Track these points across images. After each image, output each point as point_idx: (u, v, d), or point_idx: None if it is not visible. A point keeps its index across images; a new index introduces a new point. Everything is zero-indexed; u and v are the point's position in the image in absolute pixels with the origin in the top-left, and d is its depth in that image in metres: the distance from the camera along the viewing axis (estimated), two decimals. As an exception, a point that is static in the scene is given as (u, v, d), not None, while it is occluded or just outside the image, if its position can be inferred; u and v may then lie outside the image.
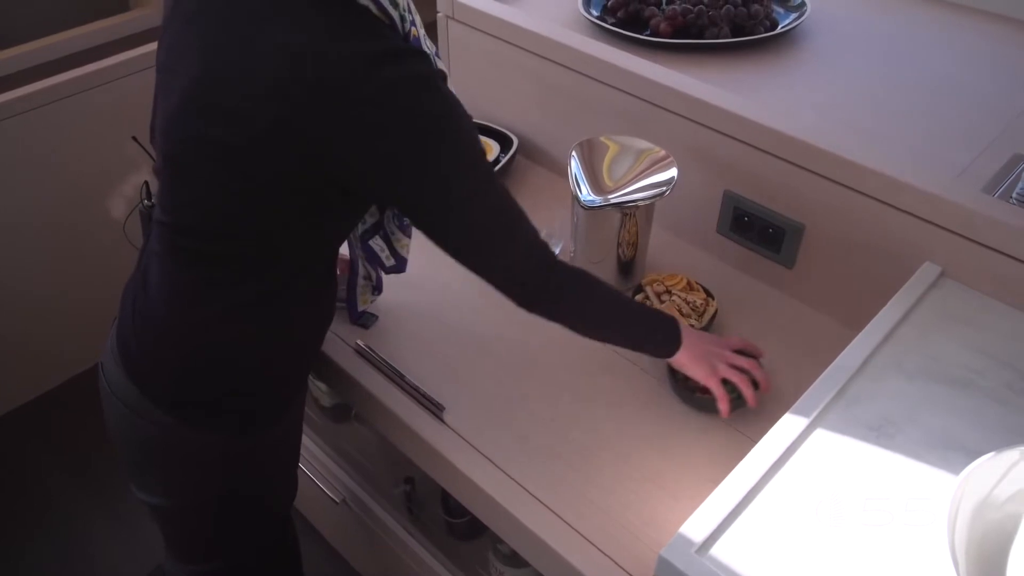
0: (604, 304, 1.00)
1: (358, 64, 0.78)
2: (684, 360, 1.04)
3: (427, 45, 0.94)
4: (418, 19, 0.93)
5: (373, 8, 0.83)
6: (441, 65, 0.94)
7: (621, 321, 1.02)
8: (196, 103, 0.85)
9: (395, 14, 0.86)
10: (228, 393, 1.02)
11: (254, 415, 1.05)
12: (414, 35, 0.91)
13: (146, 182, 1.18)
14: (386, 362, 1.17)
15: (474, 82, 1.58)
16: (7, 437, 2.11)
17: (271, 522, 1.25)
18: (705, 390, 1.05)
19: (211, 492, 1.09)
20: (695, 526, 0.77)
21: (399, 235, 1.13)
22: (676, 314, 1.17)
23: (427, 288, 1.29)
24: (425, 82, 0.81)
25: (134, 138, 1.23)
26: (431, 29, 1.56)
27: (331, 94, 0.78)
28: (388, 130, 0.80)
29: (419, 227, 0.92)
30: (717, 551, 0.76)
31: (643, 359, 1.16)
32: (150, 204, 1.17)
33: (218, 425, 1.03)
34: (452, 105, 0.84)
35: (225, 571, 1.23)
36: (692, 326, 1.16)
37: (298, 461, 1.26)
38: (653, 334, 1.04)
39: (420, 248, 1.07)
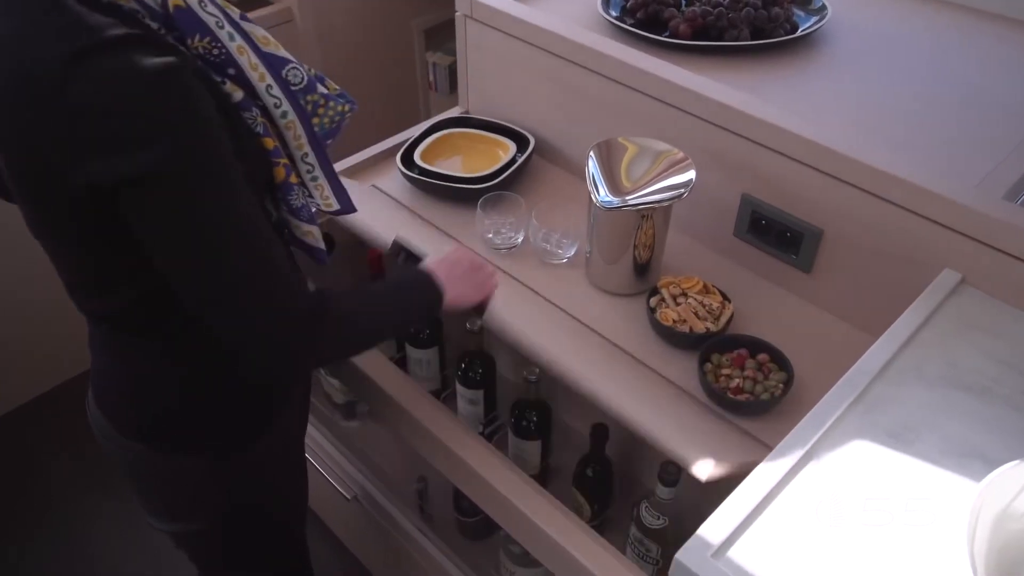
0: (367, 327, 0.95)
1: (59, 57, 0.68)
2: (452, 302, 1.03)
3: (210, 14, 0.80)
4: None
5: None
6: (239, 46, 0.81)
7: (387, 326, 1.01)
8: None
9: None
10: (185, 422, 0.99)
11: (224, 439, 1.02)
12: (176, 5, 0.77)
13: None
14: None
15: (492, 81, 1.57)
16: (10, 435, 2.12)
17: (287, 537, 1.24)
18: (737, 390, 1.05)
19: (211, 514, 1.08)
20: (711, 529, 0.77)
21: (295, 221, 0.99)
22: (692, 317, 1.17)
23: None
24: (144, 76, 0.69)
25: None
26: (448, 27, 1.55)
27: (36, 95, 0.69)
28: (96, 139, 0.70)
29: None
30: (733, 555, 0.75)
31: (669, 366, 1.15)
32: None
33: (187, 449, 1.01)
34: (182, 107, 0.72)
35: None
36: (708, 329, 1.16)
37: (303, 475, 1.24)
38: (420, 310, 1.02)
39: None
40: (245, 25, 0.84)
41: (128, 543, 1.88)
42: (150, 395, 0.97)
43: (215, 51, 0.80)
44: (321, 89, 0.91)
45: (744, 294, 1.26)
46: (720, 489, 0.89)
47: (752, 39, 1.40)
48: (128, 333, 0.93)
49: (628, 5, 1.49)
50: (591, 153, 1.23)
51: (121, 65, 0.69)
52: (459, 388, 1.45)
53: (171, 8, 0.76)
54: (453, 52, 1.85)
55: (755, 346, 1.14)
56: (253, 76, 0.83)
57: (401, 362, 1.62)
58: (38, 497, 1.99)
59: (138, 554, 1.86)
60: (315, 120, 0.92)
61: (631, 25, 1.43)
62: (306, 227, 0.98)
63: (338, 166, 1.50)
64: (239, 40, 0.81)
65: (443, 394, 1.60)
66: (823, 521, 0.78)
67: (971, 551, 0.71)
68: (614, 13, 1.48)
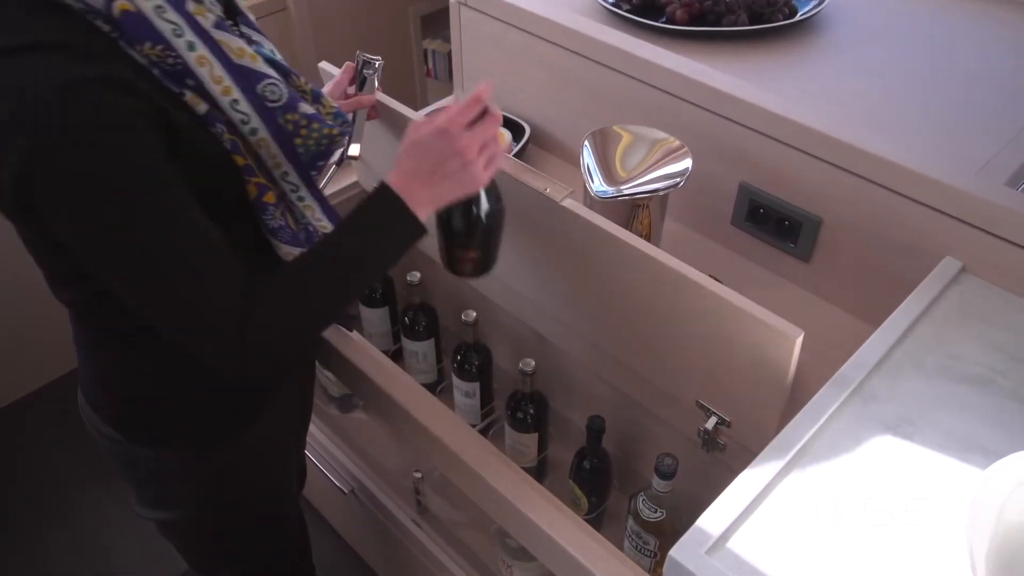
0: (325, 288, 0.83)
1: None
2: (434, 206, 0.86)
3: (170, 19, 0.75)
4: None
5: None
6: (232, 40, 0.79)
7: (348, 288, 0.86)
8: None
9: None
10: (163, 413, 0.98)
11: (205, 430, 1.01)
12: (123, 9, 0.73)
13: None
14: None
15: (486, 70, 1.55)
16: (7, 429, 2.12)
17: (277, 529, 1.23)
18: None
19: (195, 504, 1.07)
20: (706, 526, 0.75)
21: (274, 242, 0.91)
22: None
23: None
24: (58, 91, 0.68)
25: None
26: (446, 14, 1.54)
27: None
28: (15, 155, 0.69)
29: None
30: (728, 551, 0.74)
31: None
32: None
33: (167, 440, 1.00)
34: (75, 121, 0.69)
35: None
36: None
37: (293, 467, 1.23)
38: (391, 252, 0.86)
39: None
40: (218, 34, 0.79)
41: (126, 535, 1.88)
42: (126, 386, 0.97)
43: (169, 60, 0.76)
44: (305, 109, 0.85)
45: (742, 283, 1.23)
46: (717, 481, 0.88)
47: (750, 24, 1.38)
48: (99, 325, 0.92)
49: (624, -9, 1.47)
50: (586, 142, 1.21)
51: (20, 72, 0.69)
52: (455, 380, 1.44)
53: (116, 13, 0.73)
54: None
55: None
56: (215, 89, 0.78)
57: (397, 354, 1.61)
58: (35, 490, 1.99)
59: (136, 546, 1.86)
60: (298, 141, 0.86)
61: (627, 11, 1.41)
62: (286, 249, 0.91)
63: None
64: (201, 50, 0.77)
65: (439, 387, 1.59)
66: (819, 516, 0.77)
67: (971, 545, 0.70)
68: (610, -1, 1.46)
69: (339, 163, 1.10)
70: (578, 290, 1.13)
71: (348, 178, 1.52)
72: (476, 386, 1.43)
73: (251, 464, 1.08)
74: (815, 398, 0.87)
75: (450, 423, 1.08)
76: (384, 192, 0.84)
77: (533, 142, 1.53)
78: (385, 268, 0.88)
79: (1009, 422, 0.84)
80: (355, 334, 1.21)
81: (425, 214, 0.85)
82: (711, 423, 1.02)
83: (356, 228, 0.85)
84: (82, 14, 0.73)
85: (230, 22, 0.85)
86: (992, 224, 0.99)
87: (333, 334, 1.20)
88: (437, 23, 2.50)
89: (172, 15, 0.75)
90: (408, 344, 1.52)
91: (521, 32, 1.42)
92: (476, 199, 0.90)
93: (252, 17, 0.92)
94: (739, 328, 0.87)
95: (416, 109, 1.59)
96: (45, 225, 0.76)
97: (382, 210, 0.84)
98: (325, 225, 0.94)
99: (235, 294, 0.78)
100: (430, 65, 2.55)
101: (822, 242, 1.19)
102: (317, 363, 1.42)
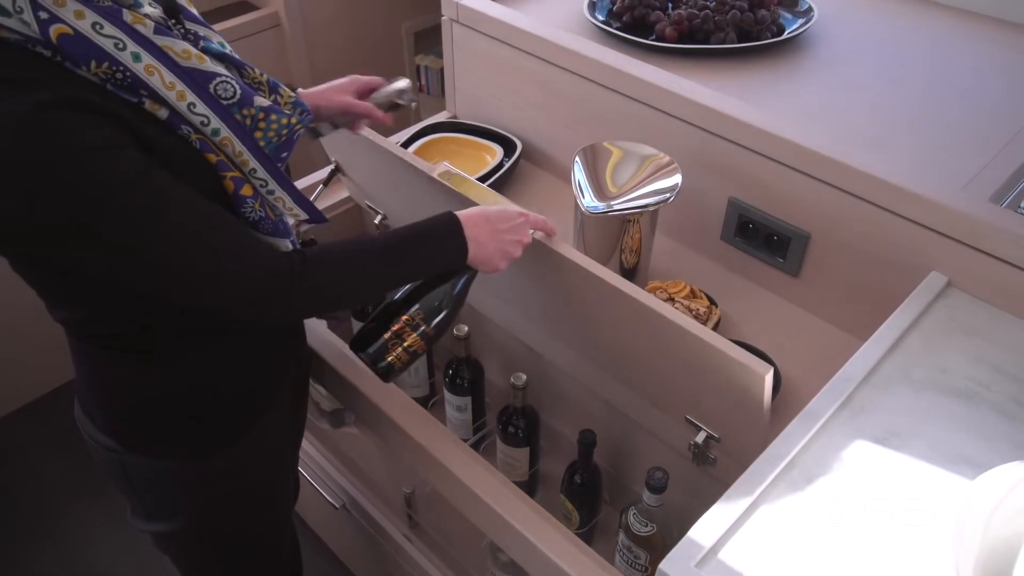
0: (367, 272, 0.90)
1: None
2: (475, 262, 0.95)
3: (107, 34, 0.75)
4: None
5: None
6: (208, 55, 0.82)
7: (397, 271, 0.93)
8: None
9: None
10: (156, 425, 0.99)
11: (198, 443, 1.01)
12: (61, 32, 0.72)
13: None
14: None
15: (478, 86, 1.57)
16: (10, 437, 2.11)
17: (270, 543, 1.22)
18: None
19: (188, 516, 1.07)
20: (695, 539, 0.76)
21: (256, 234, 0.92)
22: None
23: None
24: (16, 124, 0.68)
25: None
26: (439, 30, 1.55)
27: None
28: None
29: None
30: (718, 564, 0.74)
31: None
32: None
33: (161, 452, 1.00)
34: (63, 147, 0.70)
35: None
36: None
37: (286, 482, 1.22)
38: (437, 257, 0.94)
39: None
40: (161, 40, 0.78)
41: (117, 550, 1.87)
42: (122, 397, 0.97)
43: (119, 75, 0.75)
44: (260, 101, 0.85)
45: (731, 298, 1.25)
46: (708, 495, 0.88)
47: (739, 42, 1.40)
48: (95, 340, 0.93)
49: (614, 8, 1.49)
50: (576, 158, 1.22)
51: None
52: (447, 395, 1.44)
53: (54, 38, 0.71)
54: (441, 56, 1.84)
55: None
56: (170, 96, 0.78)
57: (389, 369, 1.61)
58: (27, 504, 1.98)
59: (128, 562, 1.84)
60: (258, 134, 0.86)
61: (617, 28, 1.43)
62: (267, 240, 0.92)
63: (323, 171, 1.49)
64: (148, 59, 0.76)
65: (431, 401, 1.59)
66: (808, 528, 0.77)
67: (956, 558, 0.70)
68: (600, 16, 1.48)
69: (314, 136, 1.15)
70: (562, 318, 1.14)
71: (340, 193, 1.53)
72: (468, 400, 1.43)
73: (246, 474, 1.08)
74: (803, 411, 0.87)
75: (441, 437, 1.08)
76: (449, 215, 0.94)
77: (524, 158, 1.54)
78: (423, 272, 0.96)
79: (995, 435, 0.85)
80: (346, 347, 1.21)
81: (471, 252, 0.94)
82: (701, 437, 1.02)
83: (414, 231, 0.93)
84: (20, 45, 0.72)
85: (172, 20, 0.85)
86: (977, 239, 1.01)
87: (324, 349, 1.20)
88: (429, 39, 2.52)
89: (111, 30, 0.75)
90: (400, 358, 1.52)
91: (512, 49, 1.43)
92: (460, 281, 0.99)
93: (194, 10, 0.91)
94: (714, 363, 0.89)
95: (409, 124, 1.61)
96: (45, 257, 0.78)
97: (442, 226, 0.93)
98: (298, 214, 0.95)
99: (278, 251, 0.86)
100: (423, 81, 2.57)
101: (811, 257, 1.20)
102: (310, 378, 1.42)
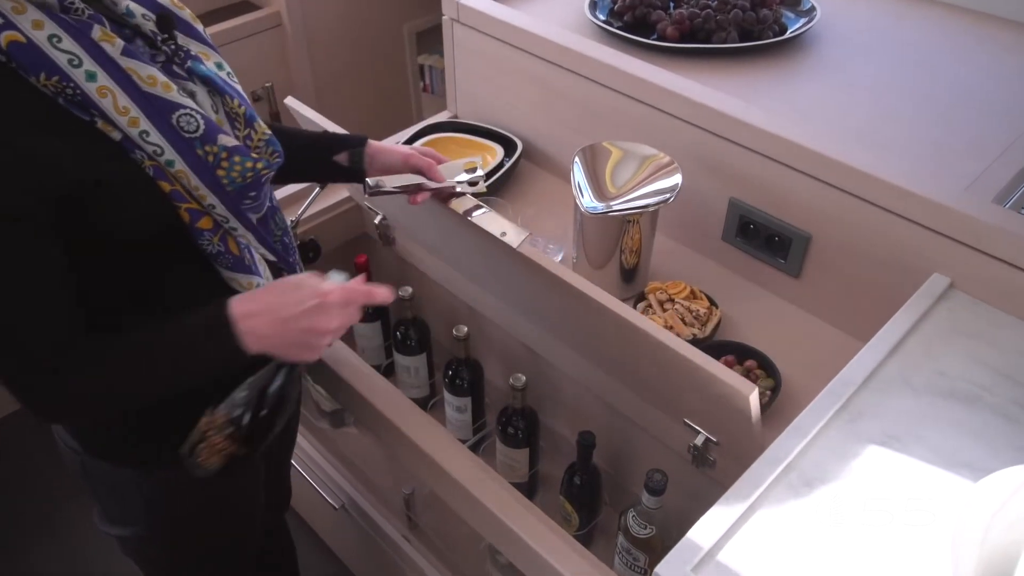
0: (138, 376, 0.82)
1: None
2: (264, 351, 0.82)
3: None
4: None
5: None
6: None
7: (155, 386, 0.84)
8: None
9: None
10: (116, 431, 0.97)
11: (159, 449, 0.96)
12: (12, 40, 0.70)
13: None
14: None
15: (479, 86, 1.56)
16: (10, 437, 2.11)
17: (231, 558, 1.19)
18: None
19: (150, 521, 1.05)
20: (691, 543, 0.75)
21: (216, 268, 0.88)
22: (679, 323, 1.16)
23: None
24: None
25: None
26: (438, 31, 1.55)
27: None
28: None
29: None
30: (716, 567, 0.74)
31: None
32: None
33: (122, 457, 0.99)
34: None
35: None
36: (695, 335, 1.14)
37: (251, 495, 1.16)
38: (207, 358, 0.82)
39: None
40: (126, 62, 0.75)
41: (108, 552, 1.86)
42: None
43: (68, 90, 0.73)
44: (225, 141, 0.81)
45: (732, 299, 1.24)
46: (708, 497, 0.88)
47: (740, 41, 1.39)
48: None
49: (615, 8, 1.48)
50: (576, 159, 1.22)
51: None
52: (446, 395, 1.44)
53: (4, 44, 0.70)
54: (443, 56, 1.84)
55: (743, 352, 1.12)
56: (121, 121, 0.75)
57: (389, 369, 1.60)
58: (20, 505, 1.98)
59: (119, 562, 1.84)
60: (220, 172, 0.81)
61: (618, 28, 1.42)
62: (228, 275, 0.87)
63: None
64: (104, 80, 0.74)
65: (431, 401, 1.59)
66: (806, 532, 0.77)
67: (956, 561, 0.69)
68: (601, 16, 1.47)
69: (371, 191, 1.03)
70: (560, 324, 1.13)
71: (340, 193, 1.52)
72: (467, 401, 1.43)
73: (202, 486, 0.99)
74: (802, 414, 0.87)
75: (441, 439, 1.08)
76: (219, 308, 0.80)
77: (525, 157, 1.53)
78: (199, 373, 0.84)
79: (996, 438, 0.84)
80: (346, 348, 1.21)
81: (253, 349, 0.81)
82: (700, 440, 1.02)
83: (180, 330, 0.82)
84: None
85: (164, 35, 0.82)
86: (980, 241, 1.00)
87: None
88: (432, 39, 2.51)
89: (69, 44, 0.72)
90: (400, 359, 1.52)
91: (513, 49, 1.43)
92: (276, 376, 0.87)
93: (200, 27, 0.88)
94: (702, 380, 0.88)
95: (411, 124, 1.60)
96: None
97: (209, 322, 0.81)
98: (266, 254, 0.90)
99: (54, 338, 0.78)
100: (426, 80, 2.56)
101: (812, 258, 1.19)
102: (309, 378, 1.42)
